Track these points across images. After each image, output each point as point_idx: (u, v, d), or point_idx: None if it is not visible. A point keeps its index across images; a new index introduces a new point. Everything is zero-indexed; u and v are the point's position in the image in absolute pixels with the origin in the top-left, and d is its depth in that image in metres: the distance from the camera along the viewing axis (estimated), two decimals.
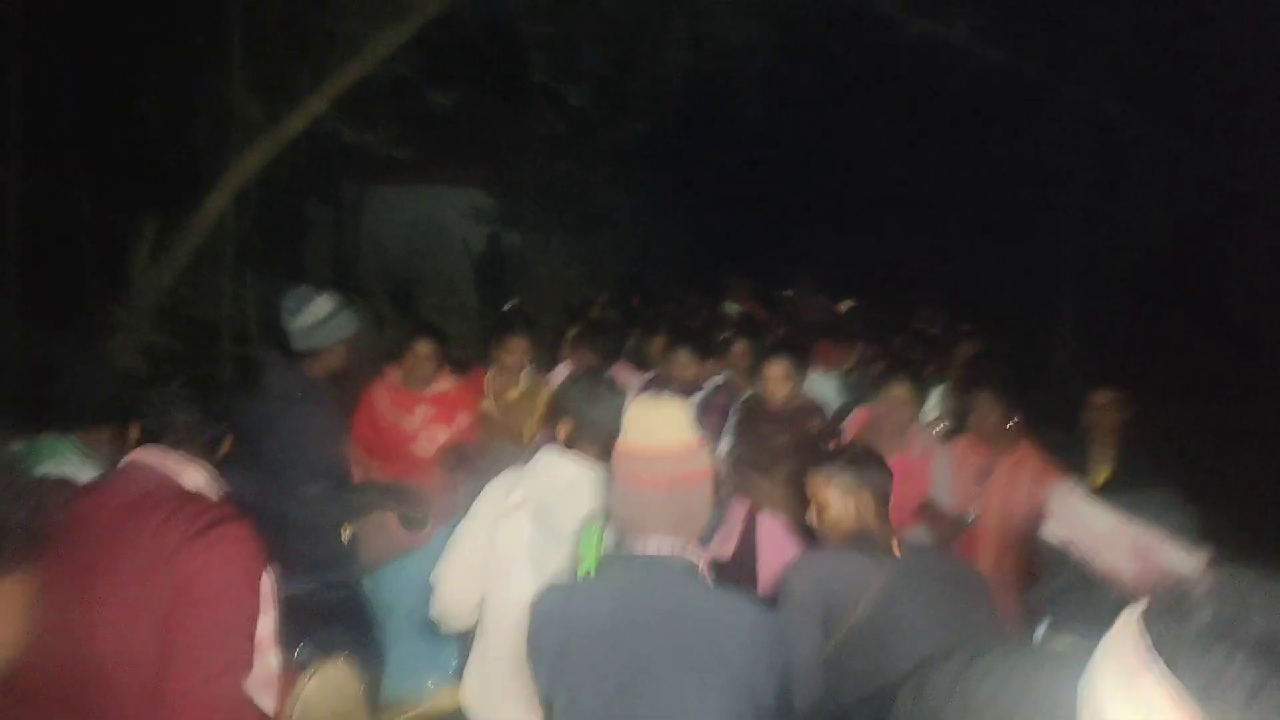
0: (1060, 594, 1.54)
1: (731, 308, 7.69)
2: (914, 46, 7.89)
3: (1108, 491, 3.02)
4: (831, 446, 3.23)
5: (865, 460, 2.21)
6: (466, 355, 5.25)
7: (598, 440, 2.17)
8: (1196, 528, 1.45)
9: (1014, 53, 7.88)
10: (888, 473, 2.19)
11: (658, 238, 14.53)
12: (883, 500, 2.14)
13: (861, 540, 2.11)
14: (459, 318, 9.52)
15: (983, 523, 3.22)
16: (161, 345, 5.10)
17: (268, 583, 1.87)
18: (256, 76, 5.75)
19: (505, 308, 4.55)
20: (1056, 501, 1.58)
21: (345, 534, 3.07)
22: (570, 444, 2.24)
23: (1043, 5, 7.77)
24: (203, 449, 2.02)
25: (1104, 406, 3.48)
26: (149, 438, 1.96)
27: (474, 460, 3.57)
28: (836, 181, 12.37)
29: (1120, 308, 9.62)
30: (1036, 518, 2.91)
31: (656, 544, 1.62)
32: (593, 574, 1.78)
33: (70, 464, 2.40)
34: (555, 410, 2.46)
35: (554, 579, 1.90)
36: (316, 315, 3.02)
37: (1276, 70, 7.10)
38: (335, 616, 2.79)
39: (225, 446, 2.11)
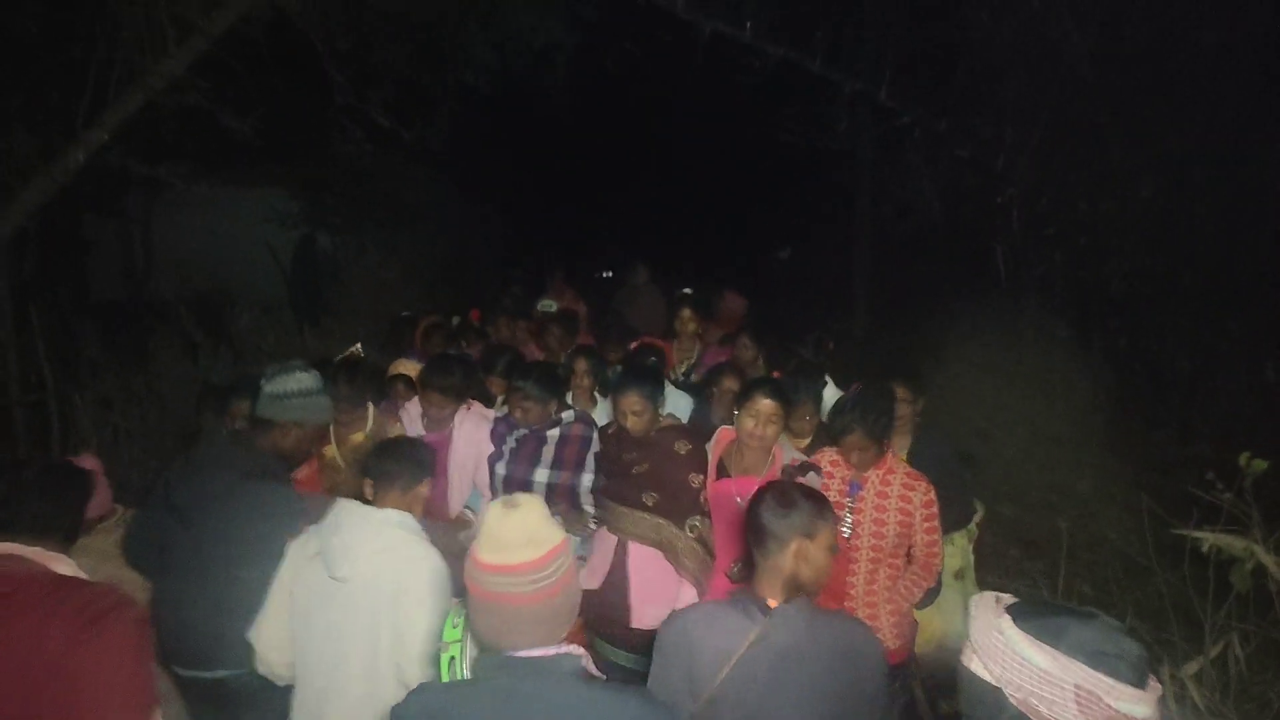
0: None
1: (548, 305, 7.80)
2: (707, 44, 8.36)
3: (912, 460, 3.50)
4: (696, 483, 3.20)
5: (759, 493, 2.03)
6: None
7: (396, 490, 2.45)
8: (1142, 662, 1.25)
9: (798, 49, 8.52)
10: (799, 515, 1.96)
11: (474, 230, 14.39)
12: (764, 537, 1.97)
13: (742, 594, 1.99)
14: (276, 335, 9.16)
15: (854, 538, 3.20)
16: None
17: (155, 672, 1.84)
18: (29, 111, 5.30)
19: (346, 352, 4.27)
20: (981, 628, 1.34)
21: None
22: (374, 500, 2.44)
23: (818, 5, 8.38)
24: (58, 541, 1.91)
25: (904, 399, 3.77)
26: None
27: (315, 513, 3.50)
28: (641, 171, 12.83)
29: (903, 268, 10.77)
30: (908, 530, 3.22)
31: (532, 647, 1.57)
32: (466, 673, 1.77)
33: None
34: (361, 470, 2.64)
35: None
36: (288, 387, 2.88)
37: (1020, 60, 8.09)
38: (257, 698, 2.69)
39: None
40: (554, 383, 3.65)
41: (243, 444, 2.86)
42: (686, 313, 5.29)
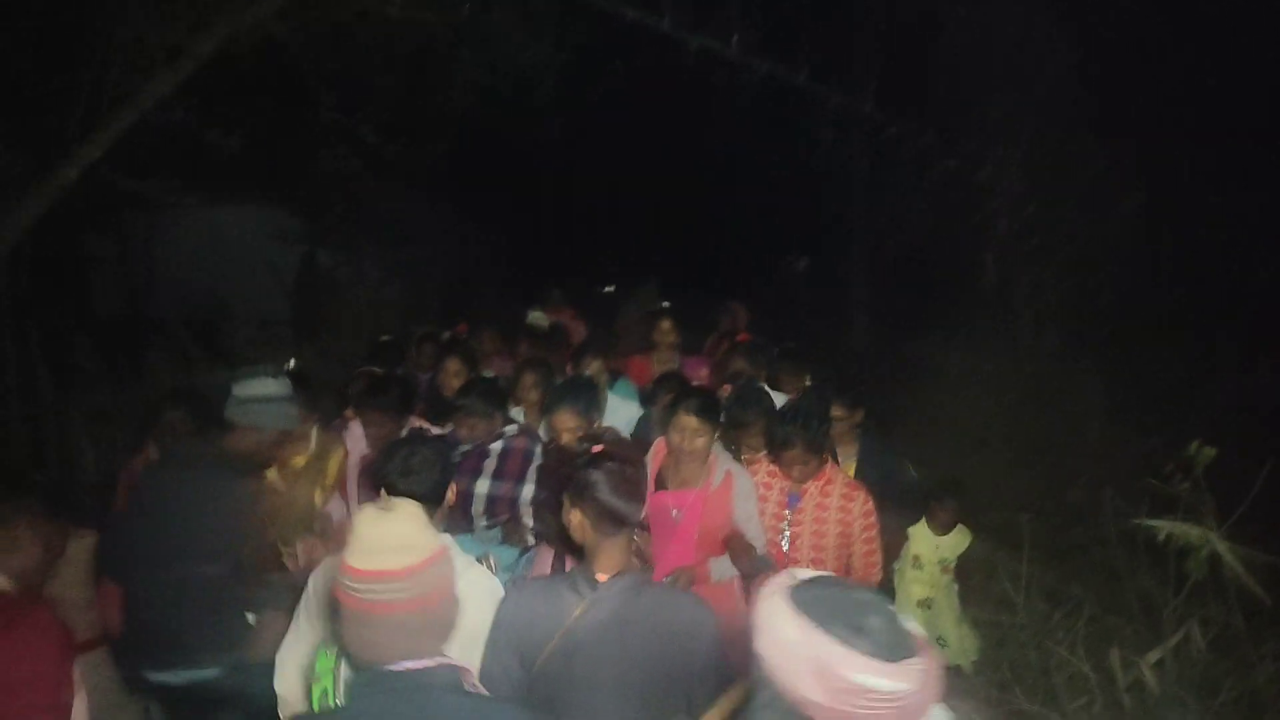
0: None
1: (539, 318, 7.69)
2: (694, 62, 8.47)
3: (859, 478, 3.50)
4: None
5: (594, 474, 2.03)
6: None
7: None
8: (889, 637, 1.22)
9: (784, 65, 8.61)
10: (618, 489, 2.01)
11: (476, 247, 14.50)
12: (604, 518, 2.00)
13: (576, 570, 2.04)
14: (272, 350, 9.28)
15: (793, 551, 3.13)
16: None
17: (76, 670, 1.92)
18: (24, 132, 5.48)
19: (286, 367, 4.26)
20: (761, 603, 1.32)
21: (250, 619, 2.94)
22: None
23: (803, 21, 8.49)
24: None
25: (839, 417, 3.75)
26: None
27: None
28: (632, 188, 12.98)
29: (898, 282, 10.80)
30: (848, 541, 3.23)
31: (407, 659, 1.48)
32: (339, 700, 1.70)
33: None
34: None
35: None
36: (251, 392, 2.96)
37: (1002, 76, 8.14)
38: (234, 704, 2.71)
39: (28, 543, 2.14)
40: (495, 397, 3.63)
41: (209, 444, 2.93)
42: (666, 324, 5.19)
